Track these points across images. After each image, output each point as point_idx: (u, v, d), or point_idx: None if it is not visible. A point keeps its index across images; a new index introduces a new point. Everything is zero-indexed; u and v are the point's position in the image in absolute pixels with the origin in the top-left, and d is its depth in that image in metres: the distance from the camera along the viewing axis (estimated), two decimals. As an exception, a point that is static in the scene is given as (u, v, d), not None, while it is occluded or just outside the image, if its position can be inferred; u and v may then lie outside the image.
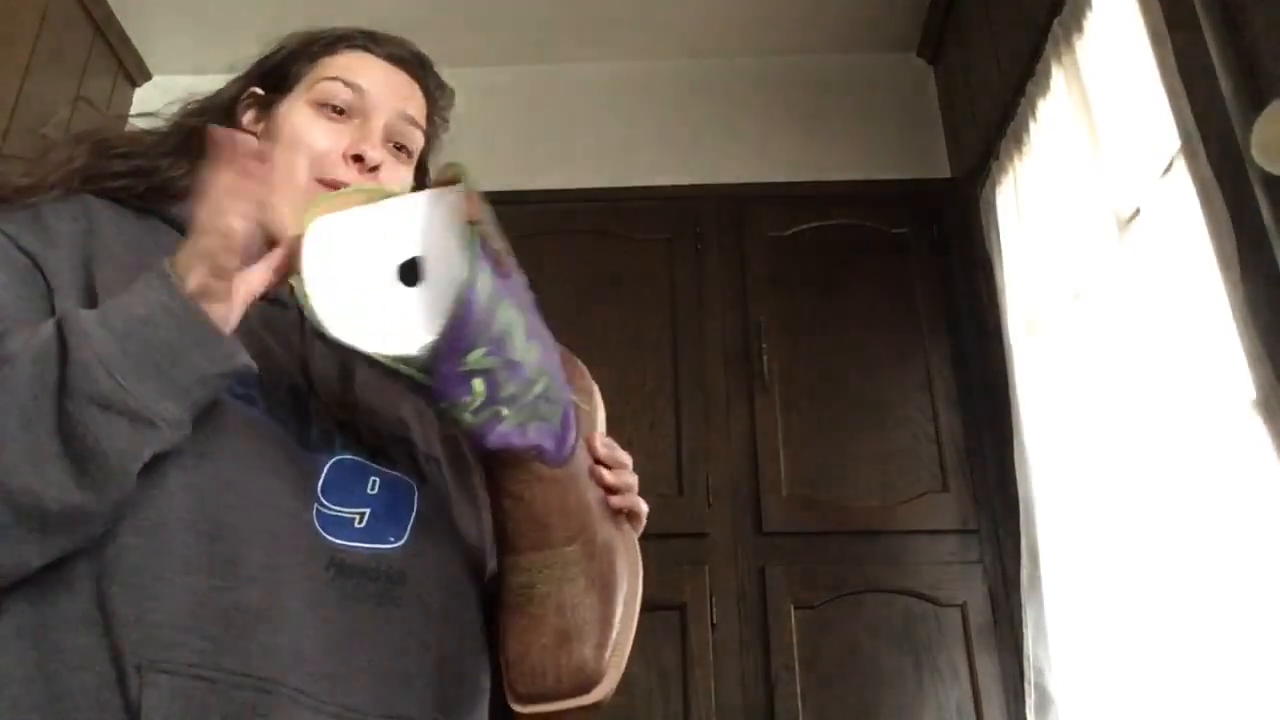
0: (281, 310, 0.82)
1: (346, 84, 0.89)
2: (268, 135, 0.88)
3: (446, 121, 1.00)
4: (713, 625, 2.10)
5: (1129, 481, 1.64)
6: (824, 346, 2.36)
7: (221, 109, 0.90)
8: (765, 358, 2.33)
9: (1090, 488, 1.78)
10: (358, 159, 0.86)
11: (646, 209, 2.54)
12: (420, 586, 0.78)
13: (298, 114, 0.88)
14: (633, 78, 2.76)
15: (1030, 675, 1.88)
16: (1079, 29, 1.82)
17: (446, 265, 0.69)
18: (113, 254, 0.76)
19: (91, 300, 0.72)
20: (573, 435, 0.77)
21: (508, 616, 0.77)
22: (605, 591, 0.77)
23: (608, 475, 0.83)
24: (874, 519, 2.19)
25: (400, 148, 0.91)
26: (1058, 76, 1.90)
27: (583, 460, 0.80)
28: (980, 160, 2.30)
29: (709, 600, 2.12)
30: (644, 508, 0.85)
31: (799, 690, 2.04)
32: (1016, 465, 2.01)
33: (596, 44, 2.76)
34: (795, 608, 2.11)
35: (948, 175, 2.58)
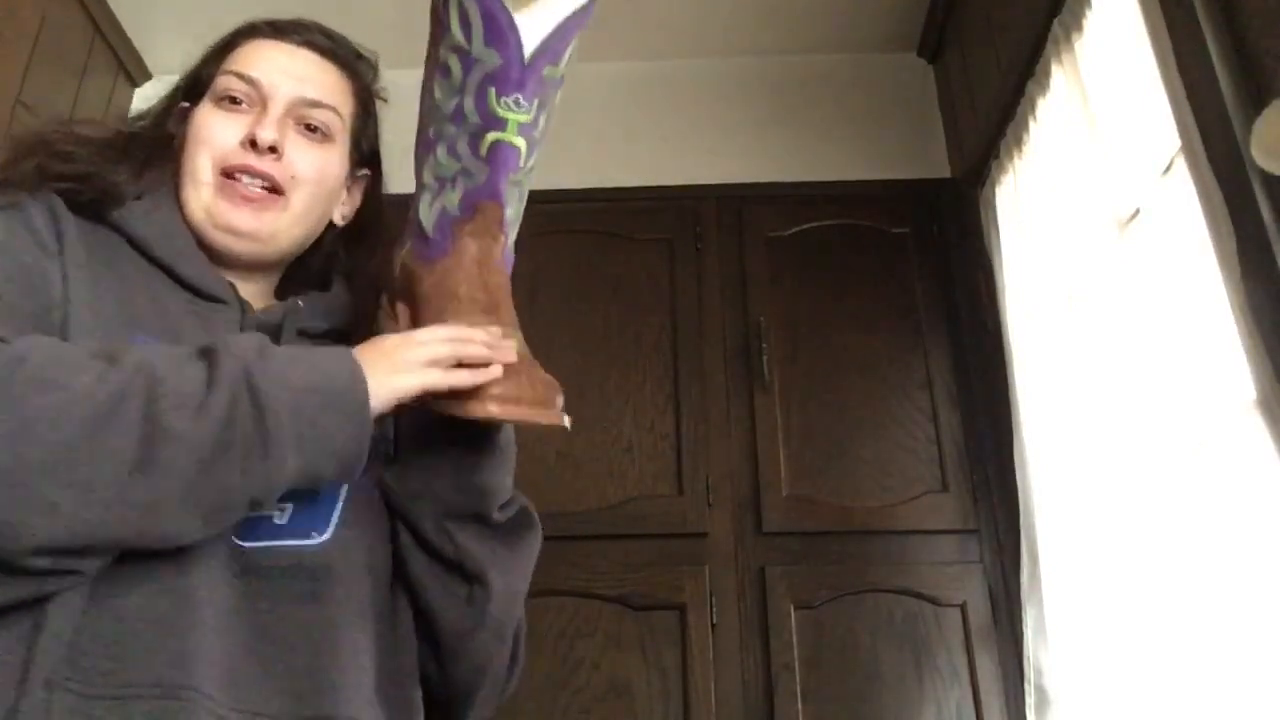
0: (219, 307, 0.85)
1: (239, 76, 0.89)
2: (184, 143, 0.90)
3: (380, 96, 1.01)
4: (713, 625, 2.10)
5: (1129, 481, 1.64)
6: (824, 346, 2.36)
7: (154, 125, 0.92)
8: (765, 358, 2.33)
9: (1090, 487, 1.78)
10: (253, 143, 0.87)
11: (646, 209, 2.54)
12: (347, 581, 0.78)
13: (201, 114, 0.89)
14: (633, 78, 2.76)
15: (1030, 675, 1.88)
16: (1079, 29, 1.82)
17: None
18: (80, 260, 0.78)
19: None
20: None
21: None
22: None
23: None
24: (874, 519, 2.19)
25: (312, 129, 0.91)
26: (1058, 76, 1.90)
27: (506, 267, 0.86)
28: (980, 160, 2.30)
29: (709, 600, 2.12)
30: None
31: (799, 690, 2.03)
32: (1016, 465, 2.01)
33: (596, 44, 2.76)
34: (795, 608, 2.11)
35: (948, 175, 2.58)
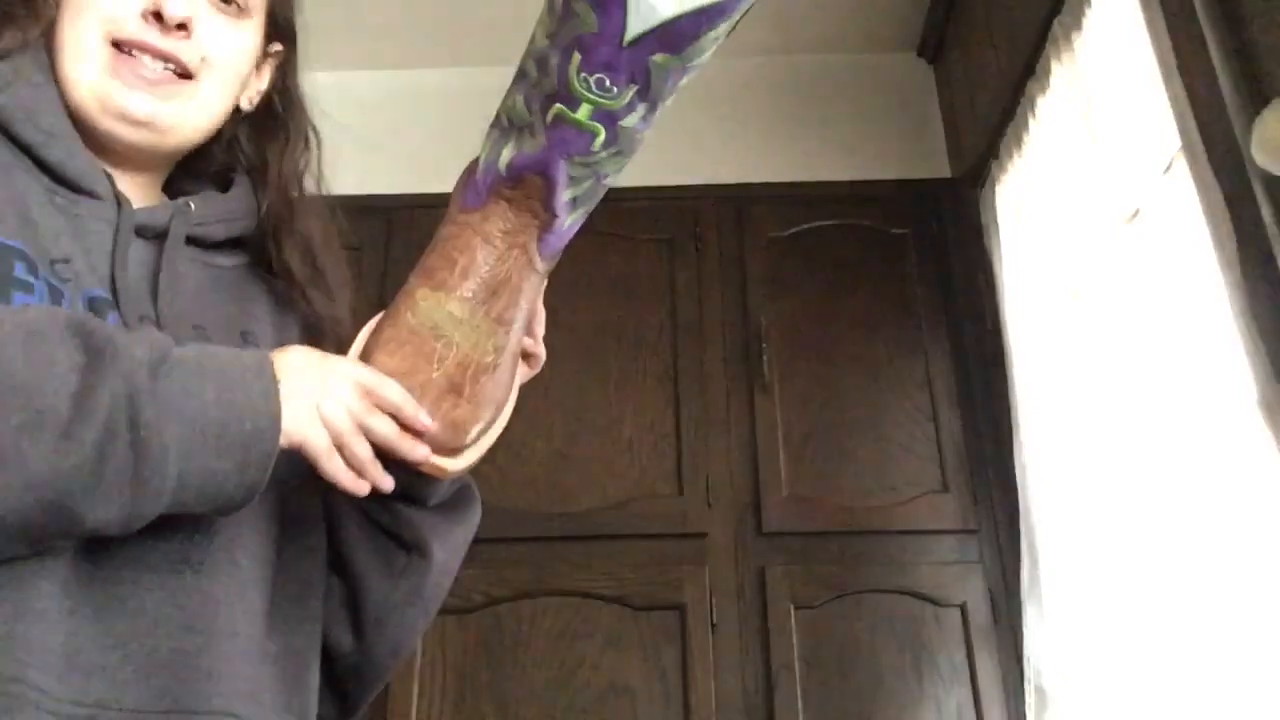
0: (91, 202, 0.70)
1: None
2: (63, 3, 0.74)
3: None
4: (713, 625, 2.10)
5: (1129, 481, 1.64)
6: (824, 346, 2.35)
7: None
8: (765, 358, 2.33)
9: (1090, 488, 1.78)
10: (157, 17, 0.72)
11: (646, 209, 2.53)
12: (237, 543, 0.68)
13: None
14: (633, 78, 2.76)
15: (1030, 675, 1.88)
16: (1079, 28, 1.82)
17: None
18: None
19: None
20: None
21: (395, 331, 0.71)
22: (501, 390, 0.73)
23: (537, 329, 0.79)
24: (874, 519, 2.19)
25: (228, 1, 0.77)
26: (1058, 75, 1.90)
27: (539, 270, 0.76)
28: (980, 160, 2.30)
29: (709, 600, 2.12)
30: (543, 354, 0.80)
31: (799, 690, 2.03)
32: (1016, 465, 2.01)
33: (596, 44, 2.76)
34: (795, 608, 2.11)
35: (948, 175, 2.57)
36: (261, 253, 0.82)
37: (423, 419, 0.68)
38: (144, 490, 0.56)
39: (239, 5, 0.77)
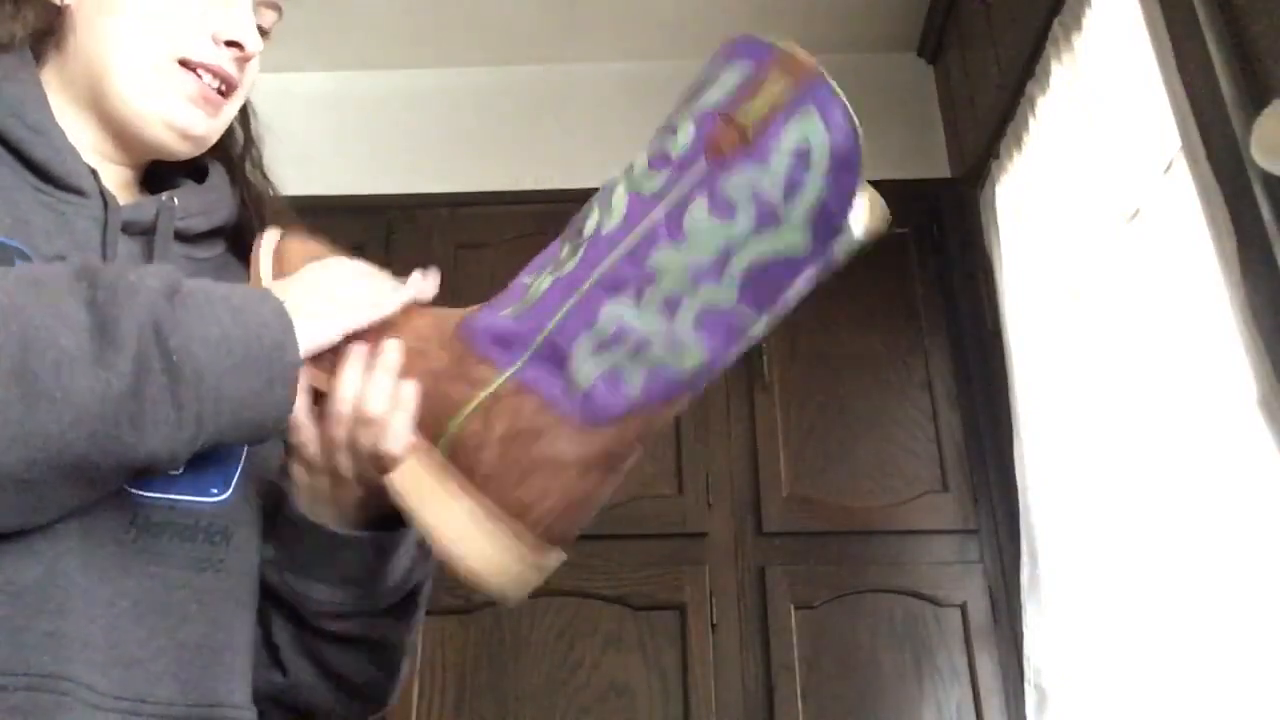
0: (78, 200, 0.70)
1: None
2: (90, 2, 0.73)
3: None
4: (713, 625, 2.10)
5: (1129, 481, 1.64)
6: (824, 346, 2.35)
7: None
8: (765, 358, 2.33)
9: (1090, 487, 1.78)
10: (229, 43, 0.74)
11: (646, 209, 2.53)
12: (244, 550, 0.68)
13: None
14: (633, 78, 2.76)
15: (1030, 675, 1.88)
16: (1079, 28, 1.82)
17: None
18: None
19: None
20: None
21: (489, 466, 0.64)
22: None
23: None
24: (874, 519, 2.19)
25: (262, 30, 0.79)
26: (1058, 75, 1.90)
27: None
28: (980, 160, 2.30)
29: (709, 600, 2.12)
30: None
31: (799, 690, 2.03)
32: (1016, 465, 2.01)
33: (597, 44, 2.76)
34: (795, 608, 2.11)
35: (948, 175, 2.57)
36: (234, 241, 0.82)
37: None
38: (184, 413, 0.55)
39: (264, 32, 0.80)
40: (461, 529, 0.61)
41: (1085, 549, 1.78)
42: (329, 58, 2.67)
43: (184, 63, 0.73)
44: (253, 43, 0.75)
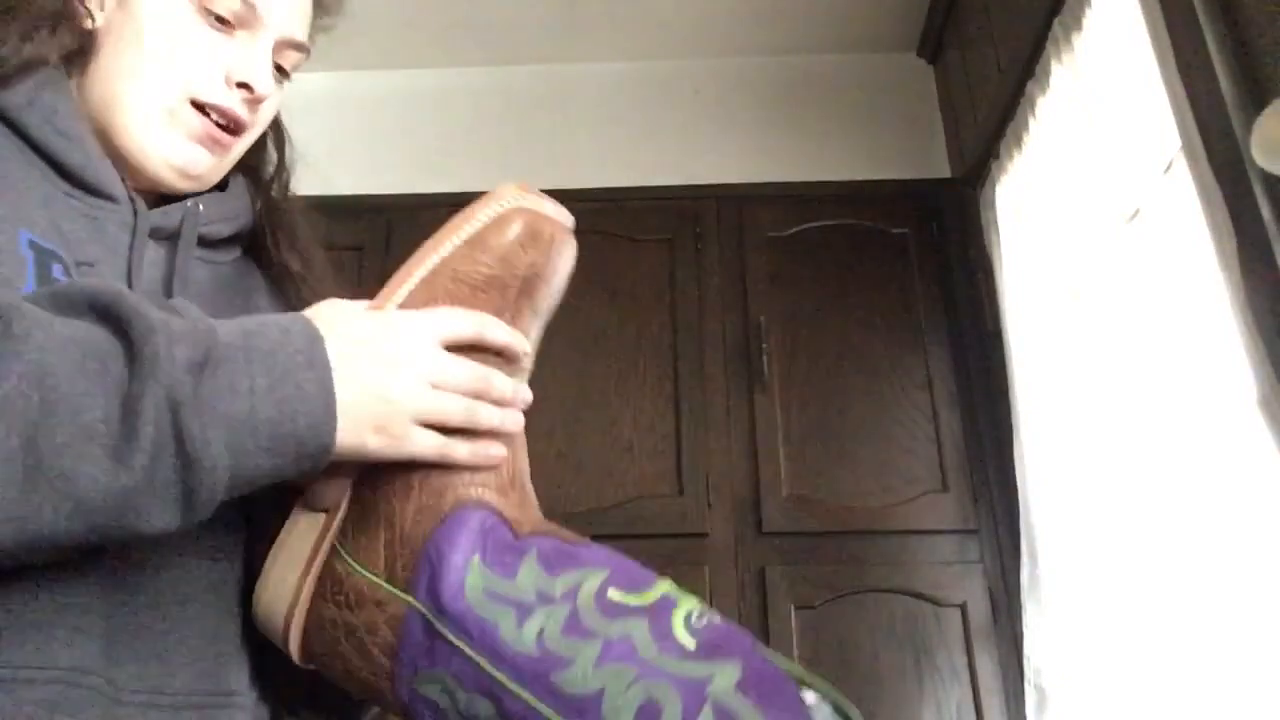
0: (109, 205, 0.71)
1: None
2: (115, 30, 0.74)
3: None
4: (713, 625, 2.10)
5: (1129, 481, 1.64)
6: (824, 347, 2.36)
7: None
8: (765, 358, 2.33)
9: (1090, 487, 1.78)
10: (242, 85, 0.75)
11: (646, 209, 2.54)
12: (255, 536, 0.69)
13: (174, 16, 0.74)
14: (633, 78, 2.76)
15: (1030, 675, 1.88)
16: (1079, 28, 1.82)
17: None
18: None
19: None
20: None
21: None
22: None
23: None
24: (874, 519, 2.19)
25: (280, 70, 0.80)
26: (1058, 75, 1.90)
27: None
28: (980, 160, 2.31)
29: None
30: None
31: (799, 690, 2.03)
32: (1016, 465, 2.01)
33: (597, 44, 2.76)
34: (795, 608, 2.11)
35: (948, 175, 2.58)
36: (251, 246, 0.84)
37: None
38: (193, 499, 0.54)
39: (286, 76, 0.81)
40: (279, 588, 0.64)
41: (1085, 549, 1.78)
42: (329, 58, 2.66)
43: (195, 103, 0.74)
44: (263, 86, 0.76)
